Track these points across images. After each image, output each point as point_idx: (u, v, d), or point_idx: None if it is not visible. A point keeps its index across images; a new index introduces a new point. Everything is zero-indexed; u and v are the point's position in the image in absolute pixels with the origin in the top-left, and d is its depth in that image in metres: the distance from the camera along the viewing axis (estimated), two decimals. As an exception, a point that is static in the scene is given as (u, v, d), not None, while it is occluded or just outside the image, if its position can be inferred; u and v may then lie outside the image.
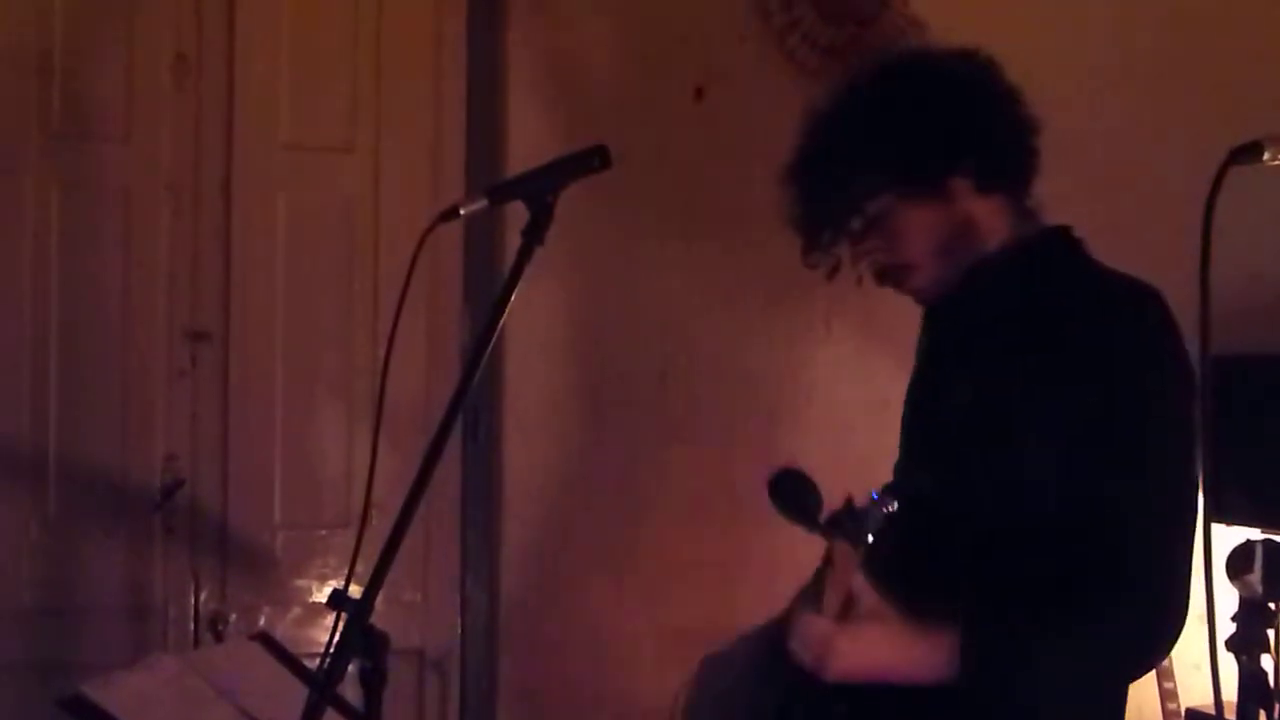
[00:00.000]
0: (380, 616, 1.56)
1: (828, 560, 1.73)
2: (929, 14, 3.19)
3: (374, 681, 1.58)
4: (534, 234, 1.66)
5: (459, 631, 3.20)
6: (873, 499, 1.71)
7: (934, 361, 2.00)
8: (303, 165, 3.12)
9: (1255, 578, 1.71)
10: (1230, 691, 1.66)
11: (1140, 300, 1.78)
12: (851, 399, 3.21)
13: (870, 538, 1.69)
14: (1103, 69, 3.40)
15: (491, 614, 3.17)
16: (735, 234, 3.12)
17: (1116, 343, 1.75)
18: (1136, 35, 3.45)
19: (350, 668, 1.55)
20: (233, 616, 3.04)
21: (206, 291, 3.06)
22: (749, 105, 3.18)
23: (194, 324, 3.05)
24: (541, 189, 1.68)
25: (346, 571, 2.17)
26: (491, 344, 1.65)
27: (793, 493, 1.77)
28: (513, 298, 1.64)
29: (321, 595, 3.04)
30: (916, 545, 1.76)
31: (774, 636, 1.85)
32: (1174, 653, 1.77)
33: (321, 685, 1.54)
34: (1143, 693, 3.02)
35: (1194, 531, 1.72)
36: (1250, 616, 1.69)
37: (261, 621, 3.03)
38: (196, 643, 3.01)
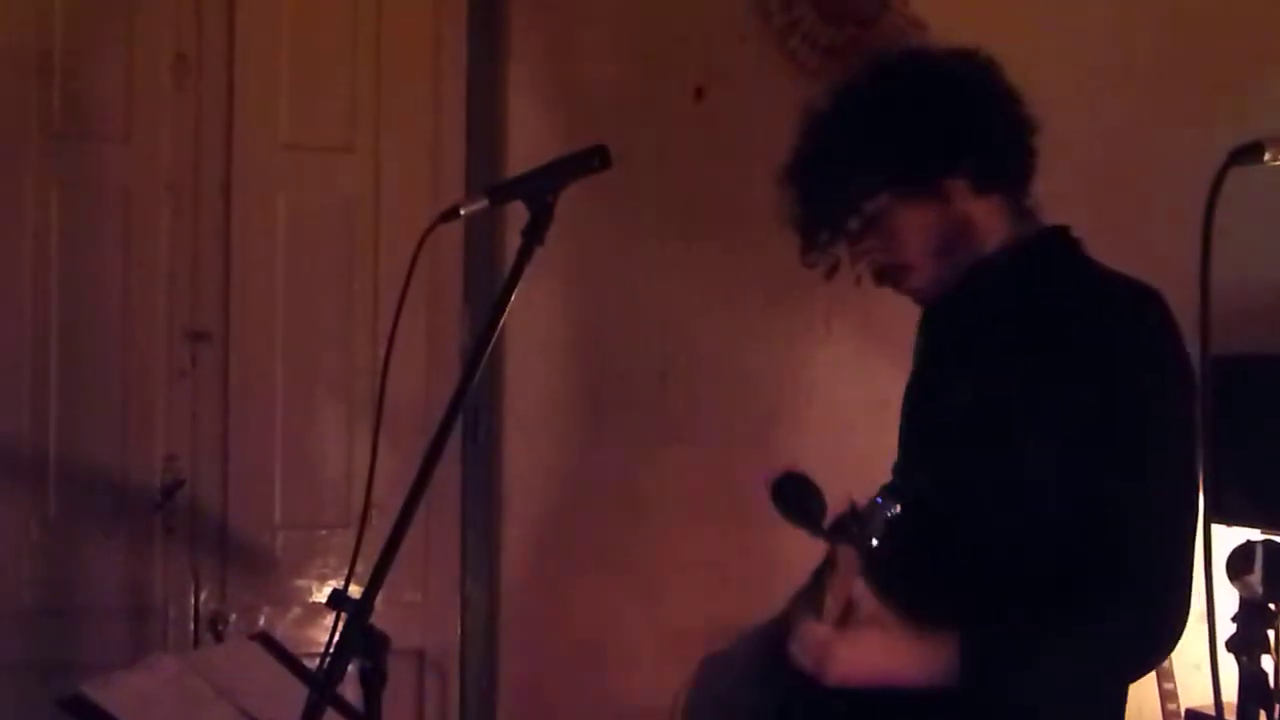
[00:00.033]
0: (380, 616, 1.56)
1: (828, 562, 1.73)
2: (929, 14, 3.19)
3: (374, 681, 1.58)
4: (534, 234, 1.66)
5: (459, 631, 3.20)
6: (876, 502, 1.70)
7: (933, 362, 2.00)
8: (303, 165, 3.12)
9: (1255, 578, 1.70)
10: (1230, 692, 1.66)
11: (1140, 300, 1.78)
12: (851, 399, 3.21)
13: (875, 541, 1.69)
14: (1103, 69, 3.40)
15: (491, 614, 3.17)
16: (735, 234, 3.12)
17: (1116, 343, 1.74)
18: (1136, 35, 3.45)
19: (350, 668, 1.55)
20: (233, 616, 3.04)
21: (206, 291, 3.05)
22: (749, 105, 3.18)
23: (194, 324, 3.04)
24: (541, 189, 1.68)
25: (346, 571, 2.17)
26: (491, 344, 1.65)
27: (796, 497, 1.77)
28: (513, 298, 1.64)
29: (321, 595, 3.04)
30: (916, 546, 1.76)
31: (774, 637, 1.85)
32: (1174, 653, 1.77)
33: (321, 685, 1.54)
34: (1143, 693, 3.02)
35: (1194, 532, 1.72)
36: (1250, 617, 1.68)
37: (261, 621, 3.02)
38: (196, 643, 3.00)
